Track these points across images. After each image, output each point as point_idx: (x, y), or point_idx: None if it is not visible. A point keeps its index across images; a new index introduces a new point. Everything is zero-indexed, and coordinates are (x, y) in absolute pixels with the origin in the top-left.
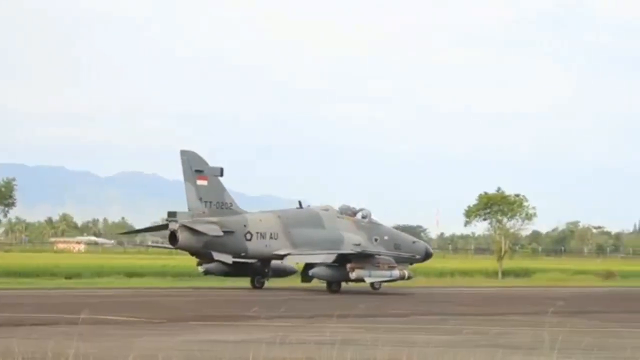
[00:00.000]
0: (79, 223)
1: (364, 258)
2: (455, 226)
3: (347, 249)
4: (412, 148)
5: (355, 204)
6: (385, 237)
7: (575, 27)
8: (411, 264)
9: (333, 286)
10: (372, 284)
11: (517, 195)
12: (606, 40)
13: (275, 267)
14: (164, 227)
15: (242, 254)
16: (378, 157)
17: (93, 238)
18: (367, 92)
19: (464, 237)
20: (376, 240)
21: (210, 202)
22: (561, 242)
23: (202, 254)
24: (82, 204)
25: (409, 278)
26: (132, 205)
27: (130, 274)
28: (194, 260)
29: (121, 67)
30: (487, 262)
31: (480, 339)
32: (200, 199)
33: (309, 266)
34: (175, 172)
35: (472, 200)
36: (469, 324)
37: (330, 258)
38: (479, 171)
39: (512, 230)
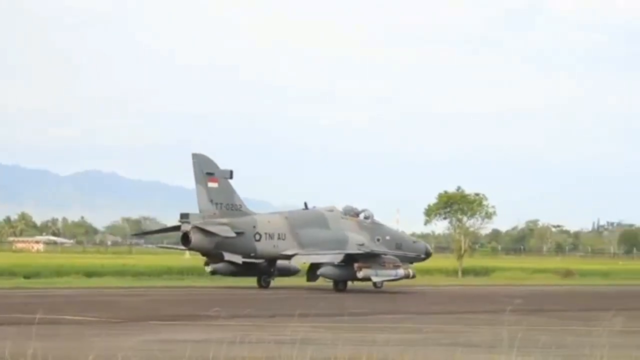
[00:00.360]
0: (38, 222)
1: (370, 258)
2: (416, 225)
3: (351, 249)
4: (373, 148)
5: (313, 203)
6: (387, 237)
7: (537, 27)
8: (411, 262)
9: (339, 285)
10: (374, 283)
11: (477, 194)
12: (572, 39)
13: (280, 266)
14: (176, 228)
15: (252, 255)
16: (339, 157)
17: (52, 237)
18: (333, 93)
19: (424, 236)
20: (378, 240)
21: (221, 204)
22: (521, 241)
23: (214, 255)
24: (40, 203)
25: (413, 277)
26: (91, 204)
27: (90, 273)
28: (156, 259)
29: (77, 65)
30: (447, 261)
31: (440, 337)
32: (211, 201)
33: (314, 266)
34: (134, 171)
35: (432, 199)
36: (429, 322)
37: (337, 258)
38: (439, 170)
39: (471, 229)
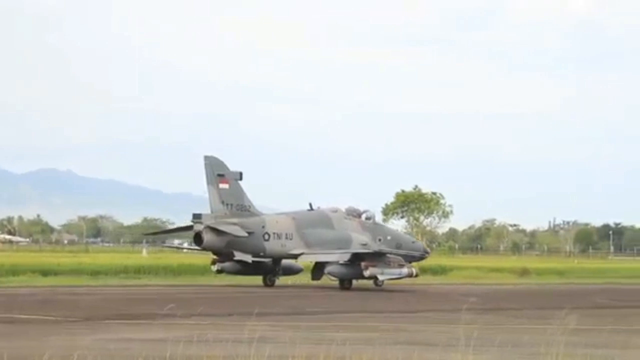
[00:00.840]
0: None
1: (376, 257)
2: None
3: (355, 249)
4: (332, 147)
5: (275, 203)
6: (388, 237)
7: (491, 27)
8: (409, 262)
9: (345, 283)
10: (374, 281)
11: (434, 194)
12: (526, 40)
13: (284, 265)
14: (189, 228)
15: (261, 254)
16: (298, 156)
17: (7, 236)
18: (293, 93)
19: None
20: (380, 240)
21: (231, 205)
22: (477, 240)
23: (225, 254)
24: None
25: (416, 276)
26: (47, 203)
27: (46, 272)
28: (113, 258)
29: (32, 63)
30: None
31: (397, 336)
32: (222, 202)
33: (319, 265)
34: (89, 169)
35: (390, 198)
36: (386, 321)
37: (345, 257)
38: (396, 170)
39: (429, 228)
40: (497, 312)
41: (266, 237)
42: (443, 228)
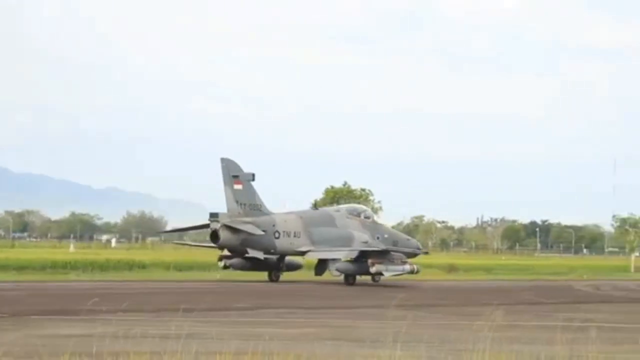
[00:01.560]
0: None
1: (382, 254)
2: None
3: (356, 246)
4: (261, 142)
5: (199, 199)
6: (385, 236)
7: (426, 27)
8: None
9: (350, 279)
10: (372, 277)
11: (363, 190)
12: (456, 40)
13: (286, 262)
14: (205, 226)
15: (272, 251)
16: (225, 151)
17: None
18: (216, 84)
19: None
20: (378, 238)
21: (245, 204)
22: None
23: (239, 251)
24: None
25: (417, 272)
26: None
27: None
28: (40, 253)
29: None
30: None
31: (325, 332)
32: (237, 202)
33: (322, 262)
34: (24, 165)
35: (319, 194)
36: (314, 317)
37: (352, 254)
38: (326, 166)
39: None
40: (426, 309)
41: (276, 235)
42: None
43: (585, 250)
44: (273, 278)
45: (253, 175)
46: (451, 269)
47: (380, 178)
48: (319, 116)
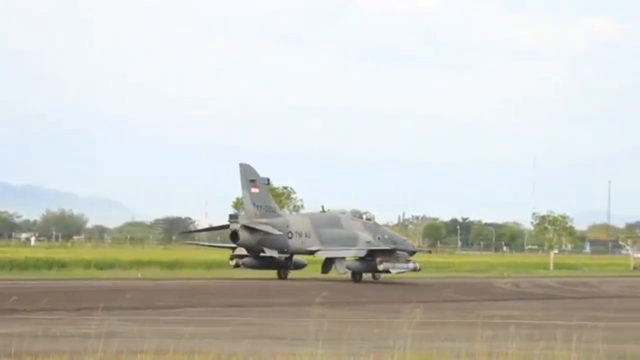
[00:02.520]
0: None
1: (389, 253)
2: (224, 218)
3: (361, 246)
4: (182, 139)
5: (118, 197)
6: (385, 236)
7: (346, 24)
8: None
9: (357, 276)
10: (373, 275)
11: (285, 188)
12: (377, 38)
13: (294, 261)
14: (225, 227)
15: (285, 250)
16: (147, 149)
17: None
18: (143, 83)
19: None
20: (379, 238)
21: (261, 206)
22: None
23: (256, 250)
24: None
25: (419, 270)
26: None
27: None
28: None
29: None
30: None
31: (247, 330)
32: (254, 204)
33: (329, 260)
34: None
35: (240, 193)
36: (236, 315)
37: (361, 253)
38: (248, 163)
39: None
40: (348, 306)
41: (290, 235)
42: None
43: (505, 248)
44: (282, 276)
45: (268, 179)
46: None
47: (301, 176)
48: (240, 112)
